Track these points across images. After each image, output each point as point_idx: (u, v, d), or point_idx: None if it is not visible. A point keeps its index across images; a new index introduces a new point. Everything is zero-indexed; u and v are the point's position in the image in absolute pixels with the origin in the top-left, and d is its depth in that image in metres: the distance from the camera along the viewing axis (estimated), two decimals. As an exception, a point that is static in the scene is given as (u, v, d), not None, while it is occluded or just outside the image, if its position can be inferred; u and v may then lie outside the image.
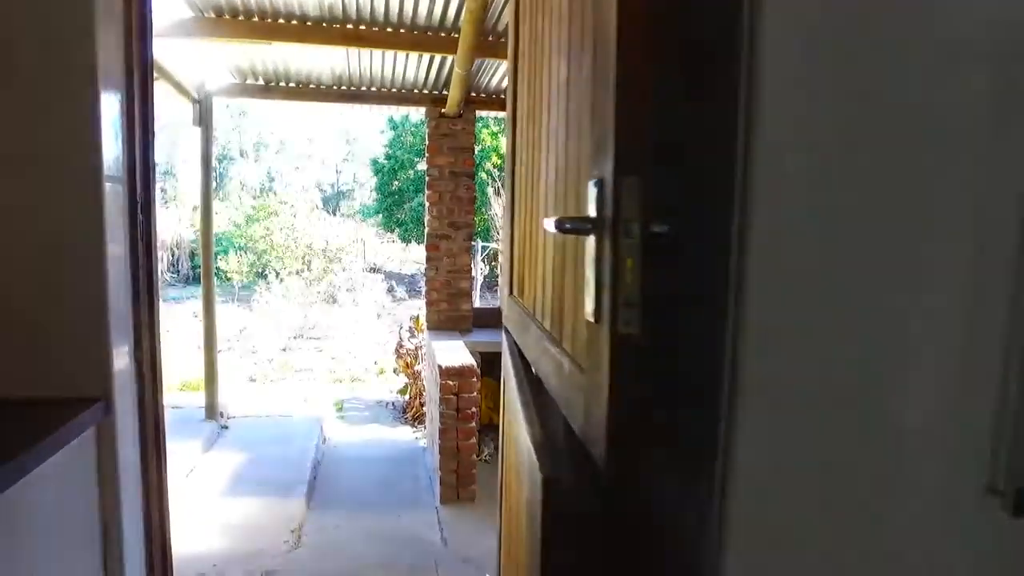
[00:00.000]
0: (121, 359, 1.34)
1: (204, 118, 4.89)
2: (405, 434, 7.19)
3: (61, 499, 1.15)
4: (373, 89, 5.21)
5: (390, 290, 13.88)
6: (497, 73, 4.89)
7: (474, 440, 4.17)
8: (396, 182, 21.12)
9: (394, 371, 8.72)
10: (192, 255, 22.57)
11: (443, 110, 5.16)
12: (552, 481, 0.71)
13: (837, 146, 0.58)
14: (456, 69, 4.13)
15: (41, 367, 1.23)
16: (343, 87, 5.18)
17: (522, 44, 1.40)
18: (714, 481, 0.67)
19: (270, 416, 5.64)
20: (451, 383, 4.04)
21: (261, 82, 5.05)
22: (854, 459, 0.56)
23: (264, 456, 4.58)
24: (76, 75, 1.22)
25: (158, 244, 1.44)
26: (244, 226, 19.58)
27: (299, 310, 12.89)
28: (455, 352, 4.38)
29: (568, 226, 0.76)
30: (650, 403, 0.70)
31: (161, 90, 4.84)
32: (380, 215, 23.89)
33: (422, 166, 20.47)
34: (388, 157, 21.80)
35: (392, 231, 23.08)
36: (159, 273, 1.43)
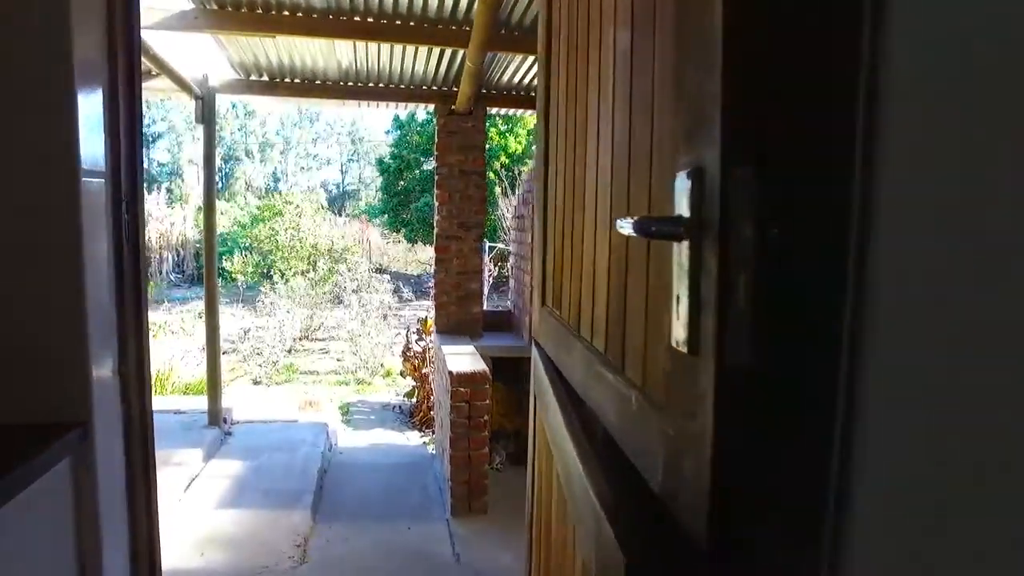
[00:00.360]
0: (103, 376, 1.18)
1: (207, 115, 4.74)
2: (413, 439, 7.04)
3: (26, 545, 0.99)
4: (381, 85, 5.05)
5: (396, 291, 13.72)
6: (509, 68, 4.72)
7: (486, 449, 4.00)
8: (402, 182, 21.00)
9: (401, 374, 8.57)
10: (197, 255, 22.51)
11: (453, 107, 5.00)
12: (637, 567, 0.55)
13: (980, 143, 0.41)
14: (467, 63, 3.97)
15: (8, 389, 1.07)
16: (350, 83, 5.02)
17: (558, 15, 1.23)
18: (824, 548, 0.51)
19: (275, 421, 5.49)
20: (463, 390, 3.88)
21: (265, 78, 4.90)
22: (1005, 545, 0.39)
23: (269, 464, 4.43)
24: (50, 65, 1.07)
25: (146, 244, 1.28)
26: (249, 226, 19.47)
27: (304, 311, 12.75)
28: (466, 358, 4.22)
29: (654, 228, 0.59)
30: (763, 458, 0.53)
31: (162, 86, 4.70)
32: (386, 215, 23.79)
33: (429, 165, 20.36)
34: (394, 157, 21.70)
35: (398, 231, 22.97)
36: (147, 275, 1.27)
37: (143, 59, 4.28)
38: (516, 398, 4.91)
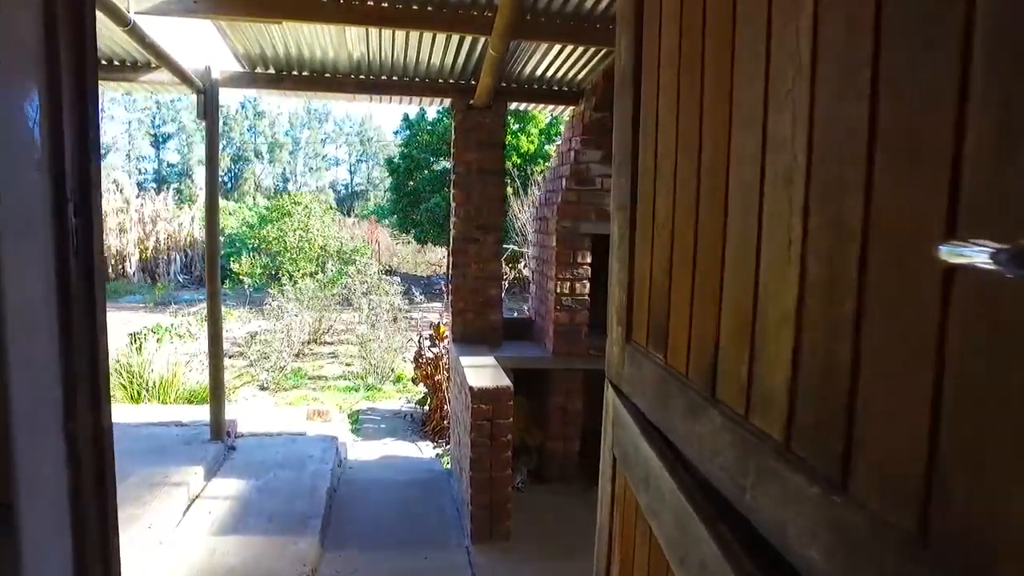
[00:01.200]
0: (37, 441, 0.87)
1: (209, 110, 4.45)
2: (426, 451, 6.73)
3: None
4: (395, 79, 4.75)
5: (406, 292, 13.43)
6: (532, 59, 4.40)
7: (509, 471, 3.69)
8: (411, 182, 20.73)
9: (412, 380, 8.27)
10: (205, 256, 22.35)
11: (471, 101, 4.69)
12: None
13: None
14: (489, 51, 3.65)
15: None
16: (361, 76, 4.72)
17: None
18: None
19: (282, 434, 5.19)
20: (484, 407, 3.56)
21: (271, 71, 4.61)
22: None
23: (275, 483, 4.13)
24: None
25: (103, 251, 0.97)
26: (257, 227, 19.25)
27: (313, 314, 12.49)
28: (487, 371, 3.90)
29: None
30: None
31: (162, 79, 4.41)
32: (395, 216, 23.53)
33: (439, 165, 20.07)
34: (403, 156, 21.43)
35: (407, 232, 22.70)
36: (105, 290, 0.95)
37: (141, 49, 4.00)
38: (538, 411, 4.59)
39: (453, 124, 4.82)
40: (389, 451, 6.56)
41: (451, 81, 4.76)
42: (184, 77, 4.28)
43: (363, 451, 6.44)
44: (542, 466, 4.55)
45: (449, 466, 5.57)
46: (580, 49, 4.19)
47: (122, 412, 5.62)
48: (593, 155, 4.37)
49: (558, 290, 4.33)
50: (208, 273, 4.62)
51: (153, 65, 4.37)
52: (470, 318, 4.79)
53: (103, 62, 4.31)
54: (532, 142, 18.86)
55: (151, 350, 7.45)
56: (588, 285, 4.38)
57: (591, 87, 4.67)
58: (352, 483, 4.59)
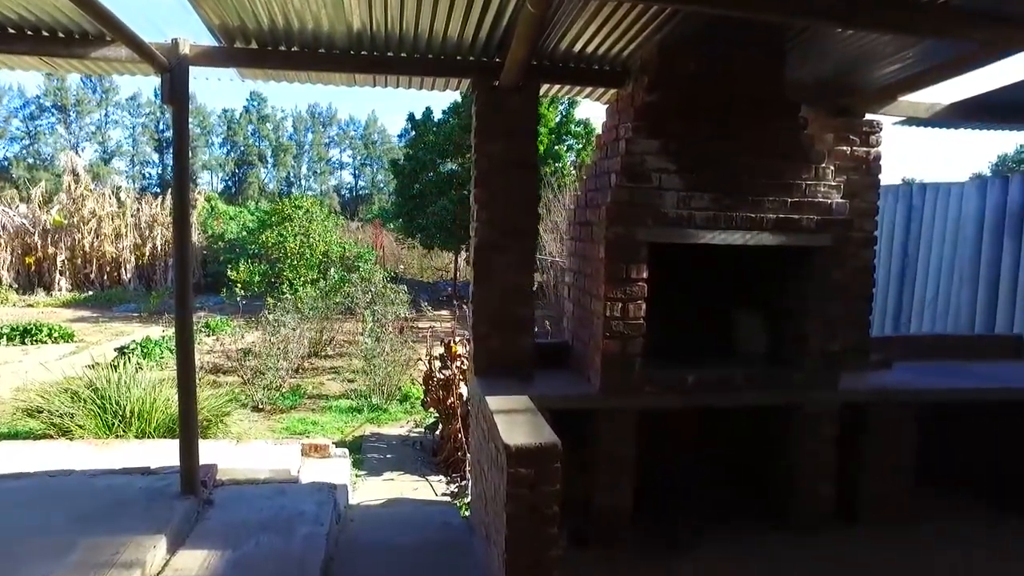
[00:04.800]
0: None
1: (177, 91, 3.64)
2: (439, 487, 5.90)
3: None
4: (404, 55, 3.93)
5: (413, 301, 12.61)
6: (571, 30, 3.57)
7: (555, 551, 2.84)
8: (417, 184, 19.95)
9: (423, 404, 7.44)
10: (204, 262, 21.59)
11: (496, 82, 3.87)
12: None
13: None
14: (527, 7, 2.82)
15: None
16: (363, 52, 3.90)
17: None
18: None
19: (269, 482, 4.37)
20: (524, 471, 2.72)
21: (254, 45, 3.79)
22: None
23: (256, 557, 3.30)
24: None
25: None
26: (256, 232, 18.46)
27: (314, 325, 11.68)
28: (522, 419, 3.07)
29: None
30: None
31: (118, 55, 3.60)
32: (400, 219, 22.76)
33: (446, 167, 19.25)
34: (408, 158, 20.64)
35: (413, 236, 21.92)
36: None
37: (90, 19, 3.21)
38: (581, 458, 3.73)
39: (474, 109, 3.99)
40: (397, 490, 5.73)
41: (471, 58, 3.94)
42: (145, 53, 3.47)
43: (367, 491, 5.61)
44: (586, 526, 3.70)
45: (468, 514, 4.73)
46: (632, 15, 3.37)
47: (80, 455, 4.80)
48: (648, 145, 3.53)
49: (608, 313, 3.50)
50: (177, 291, 3.79)
51: (108, 38, 3.56)
52: (495, 345, 3.95)
53: (44, 34, 3.51)
54: (541, 142, 17.95)
55: (131, 371, 6.64)
56: (644, 306, 3.54)
57: (641, 64, 3.84)
58: (352, 547, 3.75)
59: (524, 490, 2.73)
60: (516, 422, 3.03)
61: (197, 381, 8.15)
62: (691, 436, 4.43)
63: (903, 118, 4.58)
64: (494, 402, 3.32)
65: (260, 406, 8.60)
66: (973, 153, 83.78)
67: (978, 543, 3.76)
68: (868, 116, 4.36)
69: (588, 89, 4.36)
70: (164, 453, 4.55)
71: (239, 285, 15.27)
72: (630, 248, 3.48)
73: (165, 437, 5.57)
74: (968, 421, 4.44)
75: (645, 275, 3.52)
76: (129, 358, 9.19)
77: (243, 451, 5.08)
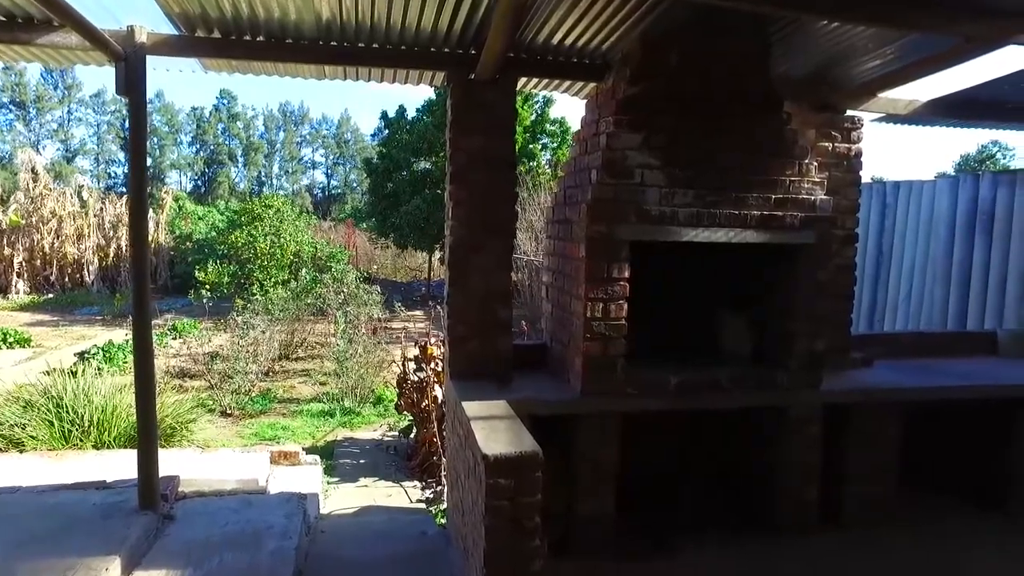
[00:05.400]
0: None
1: (133, 82, 3.43)
2: (414, 494, 5.73)
3: None
4: (376, 47, 3.76)
5: (386, 302, 12.39)
6: (549, 22, 3.45)
7: (537, 564, 2.71)
8: (390, 184, 19.68)
9: (396, 408, 7.26)
10: (172, 263, 21.02)
11: (472, 75, 3.72)
12: None
13: None
14: (507, -6, 2.68)
15: None
16: (333, 43, 3.72)
17: None
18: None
19: (236, 493, 4.17)
20: (503, 482, 2.59)
21: (217, 35, 3.59)
22: None
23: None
24: None
25: None
26: (225, 231, 18.00)
27: (284, 326, 11.40)
28: (502, 427, 2.93)
29: None
30: None
31: (69, 42, 3.37)
32: (373, 219, 22.42)
33: (420, 165, 19.01)
34: (382, 157, 20.36)
35: (386, 236, 21.63)
36: None
37: (34, 1, 2.99)
38: (560, 463, 3.60)
39: (449, 103, 3.84)
40: (370, 497, 5.55)
41: (446, 50, 3.78)
42: (97, 40, 3.25)
43: (339, 499, 5.42)
44: (568, 533, 3.58)
45: (444, 521, 4.58)
46: (613, 6, 3.26)
47: (31, 468, 4.54)
48: (630, 140, 3.42)
49: (588, 313, 3.37)
50: (135, 293, 3.58)
51: (56, 24, 3.33)
52: (472, 347, 3.81)
53: (-16, 17, 3.27)
54: (515, 141, 17.85)
55: (90, 377, 6.34)
56: (625, 307, 3.43)
57: (622, 56, 3.73)
58: (323, 563, 3.57)
59: (504, 502, 2.59)
60: (494, 429, 2.89)
61: (162, 386, 7.87)
62: (676, 437, 4.34)
63: (883, 115, 4.55)
64: (471, 407, 3.18)
65: (228, 411, 8.33)
66: (938, 152, 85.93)
67: (963, 544, 3.73)
68: (849, 112, 4.31)
69: (567, 83, 4.24)
70: (123, 465, 4.32)
71: (207, 286, 14.87)
72: (611, 246, 3.37)
73: (126, 447, 5.31)
74: (948, 420, 4.42)
75: (627, 274, 3.41)
76: (90, 363, 8.84)
77: (209, 460, 4.86)
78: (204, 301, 12.54)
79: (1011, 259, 6.73)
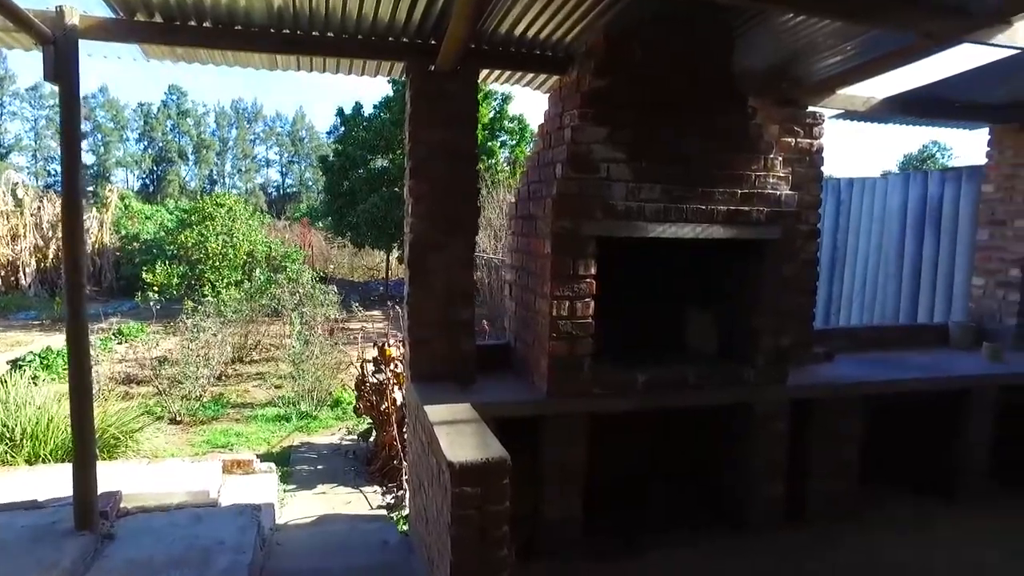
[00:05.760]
0: None
1: (63, 68, 3.17)
2: (375, 499, 5.56)
3: None
4: (331, 35, 3.58)
5: (343, 301, 12.10)
6: (512, 12, 3.34)
7: (507, 574, 2.60)
8: (346, 182, 19.28)
9: (355, 411, 7.05)
10: (118, 264, 20.15)
11: (432, 66, 3.58)
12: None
13: None
14: (468, -22, 2.56)
15: None
16: (285, 31, 3.53)
17: None
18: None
19: (184, 507, 3.93)
20: (470, 491, 2.47)
21: (159, 19, 3.36)
22: None
23: (165, 598, 2.90)
24: None
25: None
26: (175, 231, 17.34)
27: (238, 328, 11.01)
28: (467, 431, 2.81)
29: None
30: None
31: (-9, 23, 3.10)
32: (329, 218, 21.94)
33: (377, 163, 18.67)
34: (338, 155, 19.93)
35: (343, 235, 21.19)
36: None
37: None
38: (526, 466, 3.50)
39: (408, 95, 3.69)
40: (329, 505, 5.35)
41: (406, 40, 3.63)
42: (21, 21, 2.99)
43: (297, 508, 5.21)
44: (535, 535, 3.48)
45: (406, 528, 4.43)
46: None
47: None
48: (595, 133, 3.34)
49: (554, 312, 3.28)
50: (68, 296, 3.33)
51: (-26, 3, 3.06)
52: (435, 349, 3.67)
53: None
54: (477, 134, 17.68)
55: (23, 386, 5.96)
56: (592, 304, 3.34)
57: (587, 49, 3.64)
58: (280, 577, 3.39)
59: (471, 511, 2.47)
60: (459, 434, 2.77)
61: (106, 394, 7.46)
62: (646, 436, 4.28)
63: (841, 111, 4.58)
64: (434, 412, 3.04)
65: (178, 418, 7.97)
66: (883, 152, 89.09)
67: (926, 536, 3.77)
68: (810, 108, 4.33)
69: (530, 75, 4.13)
70: (60, 481, 4.01)
71: (155, 288, 14.28)
72: (577, 243, 3.28)
73: (64, 461, 4.98)
74: (900, 413, 4.48)
75: (593, 271, 3.33)
76: (25, 371, 8.34)
77: (156, 472, 4.59)
78: (151, 303, 12.00)
79: (958, 253, 6.92)
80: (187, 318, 9.98)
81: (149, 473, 4.53)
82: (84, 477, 3.29)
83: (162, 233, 18.99)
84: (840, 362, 4.42)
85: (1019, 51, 3.53)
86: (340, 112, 20.09)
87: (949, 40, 3.34)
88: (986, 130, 5.38)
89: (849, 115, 4.75)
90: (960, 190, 6.96)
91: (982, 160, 5.55)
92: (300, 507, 5.24)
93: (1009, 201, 5.21)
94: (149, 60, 3.82)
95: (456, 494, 2.46)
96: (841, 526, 3.83)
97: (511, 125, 19.27)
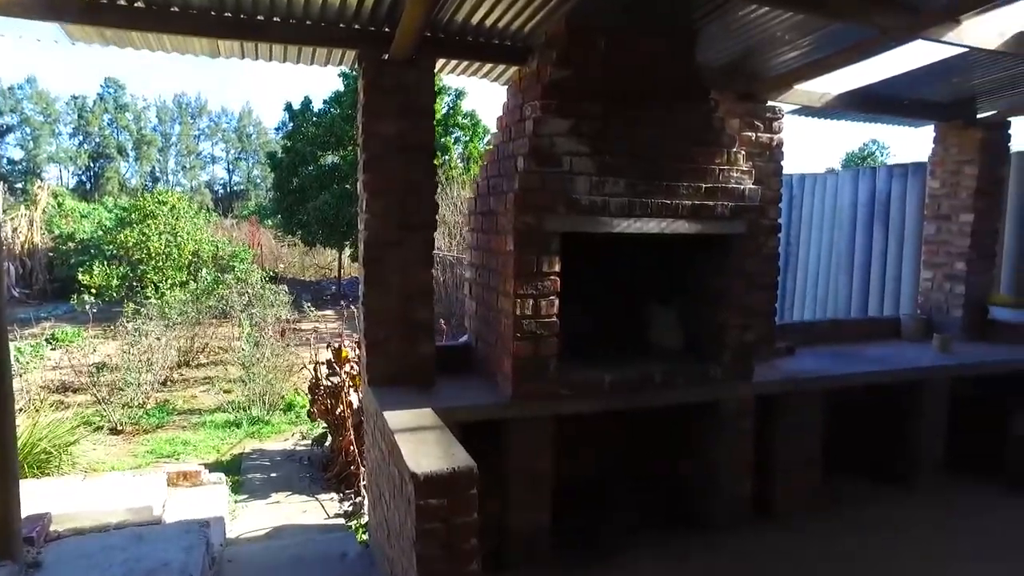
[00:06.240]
0: None
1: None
2: (331, 507, 5.35)
3: None
4: (277, 19, 3.37)
5: (295, 302, 11.73)
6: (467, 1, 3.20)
7: (474, 588, 2.47)
8: (296, 179, 18.76)
9: (309, 415, 6.80)
10: (51, 265, 19.13)
11: (386, 54, 3.41)
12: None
13: None
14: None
15: None
16: (227, 13, 3.30)
17: None
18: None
19: (124, 525, 3.67)
20: (435, 503, 2.32)
21: (85, -2, 3.09)
22: None
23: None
24: None
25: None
26: (113, 231, 16.54)
27: (184, 331, 10.54)
28: (430, 439, 2.67)
29: None
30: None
31: None
32: (279, 216, 21.33)
33: (327, 159, 18.21)
34: (287, 151, 19.38)
35: (293, 233, 20.63)
36: None
37: None
38: (489, 471, 3.37)
39: (361, 84, 3.51)
40: (283, 515, 5.11)
41: (357, 27, 3.45)
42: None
43: (249, 519, 4.96)
44: (501, 547, 3.36)
45: (366, 537, 4.26)
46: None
47: None
48: (558, 125, 3.23)
49: (518, 311, 3.16)
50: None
51: None
52: (393, 350, 3.51)
53: None
54: (435, 127, 17.44)
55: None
56: (557, 303, 3.24)
57: (547, 39, 3.53)
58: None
59: (437, 524, 2.33)
60: (422, 442, 2.62)
61: (37, 404, 7.01)
62: (615, 438, 4.21)
63: (799, 106, 4.60)
64: (394, 418, 2.89)
65: (119, 428, 7.55)
66: (827, 149, 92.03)
67: (888, 526, 3.81)
68: (769, 103, 4.32)
69: (488, 66, 3.99)
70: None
71: (92, 290, 13.57)
72: (541, 239, 3.16)
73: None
74: (855, 405, 4.53)
75: (558, 268, 3.22)
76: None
77: (93, 488, 4.29)
78: (88, 306, 11.38)
79: (906, 247, 7.11)
80: (128, 321, 9.49)
81: (85, 490, 4.22)
82: (4, 500, 3.01)
83: (100, 232, 18.09)
84: (801, 356, 4.45)
85: (965, 50, 3.60)
86: (288, 107, 19.53)
87: (901, 36, 3.36)
88: (930, 128, 5.51)
89: (806, 111, 4.78)
90: (907, 186, 7.15)
91: (919, 158, 5.69)
92: (253, 518, 5.00)
93: (954, 196, 5.34)
94: (74, 43, 3.53)
95: (421, 507, 2.31)
96: (808, 520, 3.83)
97: (464, 121, 19.10)
